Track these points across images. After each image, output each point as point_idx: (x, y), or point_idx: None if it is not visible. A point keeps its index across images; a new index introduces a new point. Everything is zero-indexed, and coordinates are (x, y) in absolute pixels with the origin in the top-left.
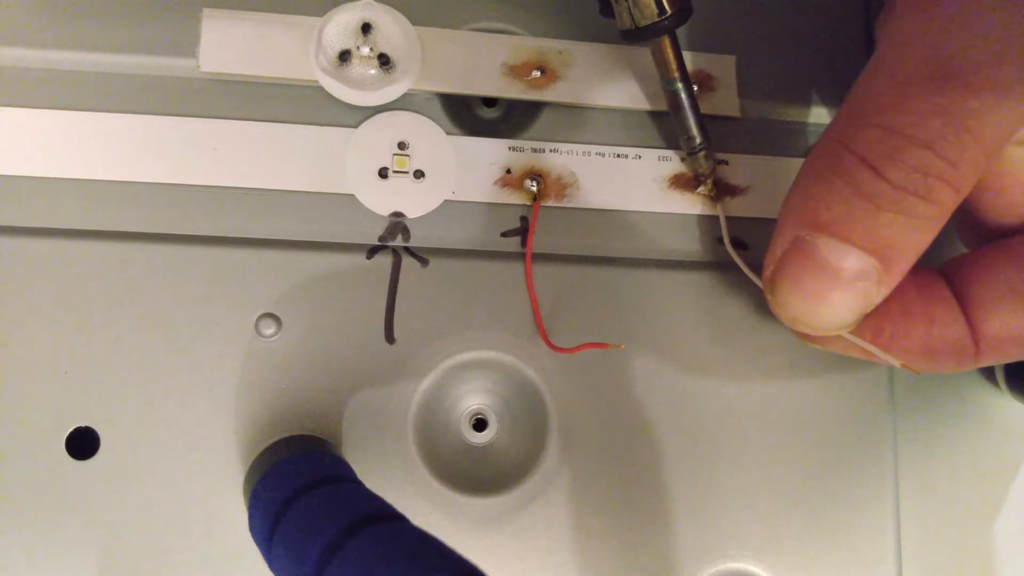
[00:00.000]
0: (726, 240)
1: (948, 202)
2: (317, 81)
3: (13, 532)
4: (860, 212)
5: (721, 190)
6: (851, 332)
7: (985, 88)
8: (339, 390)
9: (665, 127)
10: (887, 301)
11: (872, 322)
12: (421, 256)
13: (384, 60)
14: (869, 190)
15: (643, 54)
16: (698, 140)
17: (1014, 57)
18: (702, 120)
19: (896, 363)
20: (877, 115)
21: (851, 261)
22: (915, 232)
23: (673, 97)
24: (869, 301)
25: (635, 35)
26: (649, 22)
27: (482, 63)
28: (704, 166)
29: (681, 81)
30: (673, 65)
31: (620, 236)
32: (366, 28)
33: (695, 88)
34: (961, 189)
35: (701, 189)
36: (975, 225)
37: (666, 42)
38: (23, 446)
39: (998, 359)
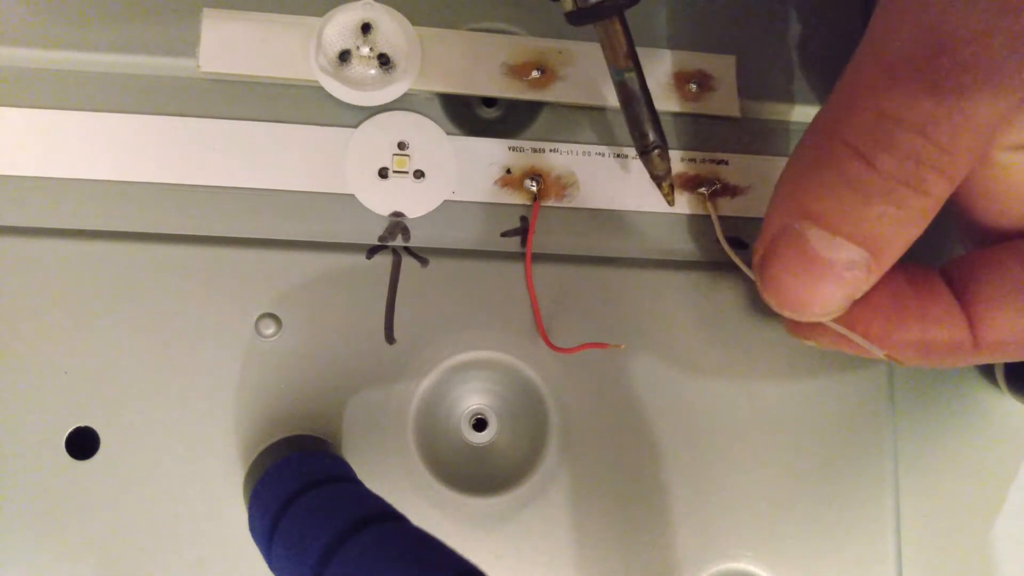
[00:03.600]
0: (719, 233)
1: (940, 192)
2: (317, 81)
3: (13, 532)
4: (850, 204)
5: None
6: (842, 324)
7: (976, 62)
8: (339, 390)
9: (665, 127)
10: (880, 296)
11: (864, 316)
12: (421, 256)
13: (384, 60)
14: (859, 181)
15: (643, 54)
16: (651, 137)
17: (1003, 29)
18: (656, 115)
19: (880, 353)
20: (867, 99)
21: (841, 253)
22: (907, 223)
23: (623, 88)
24: (858, 289)
25: (581, 16)
26: (597, 0)
27: (482, 63)
28: (659, 167)
29: (634, 70)
30: (624, 52)
31: (620, 236)
32: (366, 28)
33: (694, 88)
34: (954, 178)
35: (660, 191)
36: (972, 230)
37: (616, 25)
38: (23, 446)
39: (996, 357)
